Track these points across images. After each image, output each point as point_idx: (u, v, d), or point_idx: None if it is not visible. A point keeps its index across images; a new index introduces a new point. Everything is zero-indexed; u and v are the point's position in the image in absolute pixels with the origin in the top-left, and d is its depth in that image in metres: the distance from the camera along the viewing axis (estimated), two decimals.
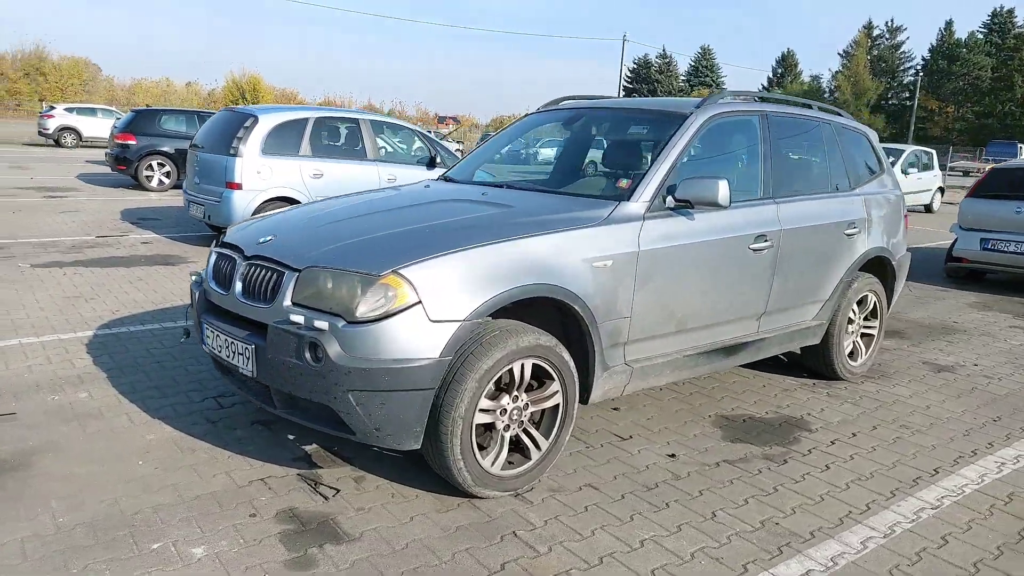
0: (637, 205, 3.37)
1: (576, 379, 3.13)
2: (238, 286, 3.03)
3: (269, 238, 3.10)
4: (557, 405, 3.11)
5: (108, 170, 14.48)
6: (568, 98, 4.65)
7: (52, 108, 26.16)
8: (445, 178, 4.33)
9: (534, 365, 2.98)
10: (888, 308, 5.14)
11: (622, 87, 72.27)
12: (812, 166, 4.55)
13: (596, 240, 3.15)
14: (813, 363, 4.79)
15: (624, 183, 3.54)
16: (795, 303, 4.25)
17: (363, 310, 2.63)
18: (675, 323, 3.55)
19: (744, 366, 4.97)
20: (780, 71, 73.50)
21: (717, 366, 3.92)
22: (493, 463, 2.92)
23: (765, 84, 73.76)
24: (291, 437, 3.46)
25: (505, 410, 2.94)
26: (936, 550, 2.80)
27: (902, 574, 2.63)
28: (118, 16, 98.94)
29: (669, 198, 3.44)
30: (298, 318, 2.71)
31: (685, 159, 3.66)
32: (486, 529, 2.77)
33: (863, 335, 4.93)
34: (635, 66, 76.03)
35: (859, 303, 4.79)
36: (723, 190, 3.35)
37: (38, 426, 3.42)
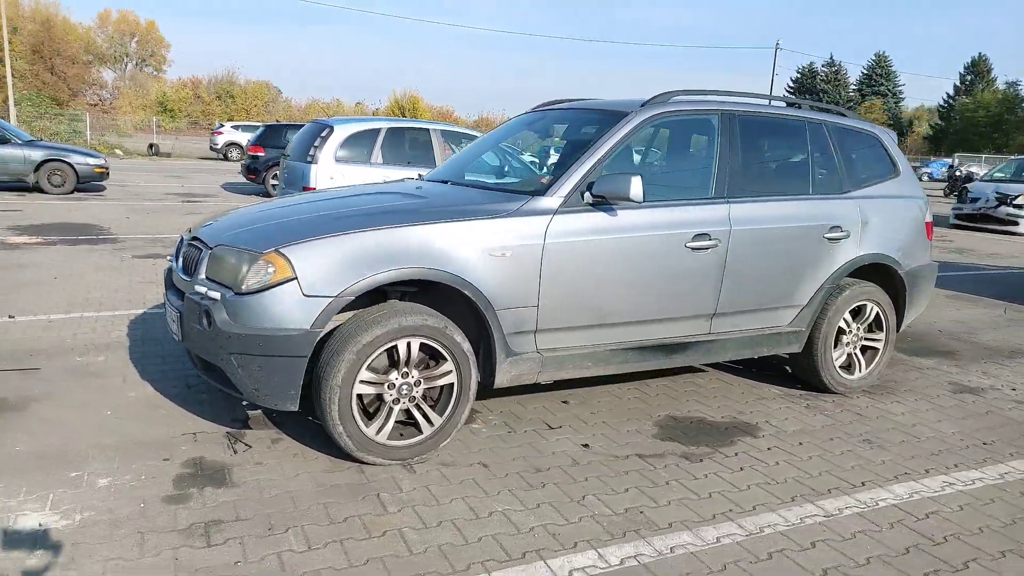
0: (551, 200, 3.50)
1: (472, 361, 3.32)
2: (180, 263, 3.50)
3: (210, 223, 3.56)
4: (452, 384, 3.30)
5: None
6: (558, 101, 4.80)
7: (222, 126, 29.32)
8: (419, 176, 4.63)
9: (425, 345, 3.21)
10: (901, 322, 4.82)
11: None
12: (789, 167, 4.41)
13: (496, 231, 3.32)
14: (800, 373, 4.62)
15: (546, 179, 3.67)
16: (759, 306, 4.14)
17: (247, 283, 2.99)
18: (594, 316, 3.62)
19: (735, 373, 4.87)
20: (969, 78, 67.42)
21: (656, 363, 3.92)
22: (378, 432, 3.17)
23: (950, 92, 67.92)
24: (244, 404, 3.88)
25: (393, 384, 3.18)
26: (794, 553, 2.72)
27: (738, 569, 2.59)
28: (298, 43, 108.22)
29: (587, 194, 3.54)
30: (202, 289, 3.12)
31: (616, 157, 3.73)
32: (357, 489, 3.03)
33: (864, 348, 4.67)
34: (799, 75, 72.59)
35: (856, 313, 4.55)
36: (635, 186, 3.41)
37: (51, 380, 4.08)
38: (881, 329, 4.66)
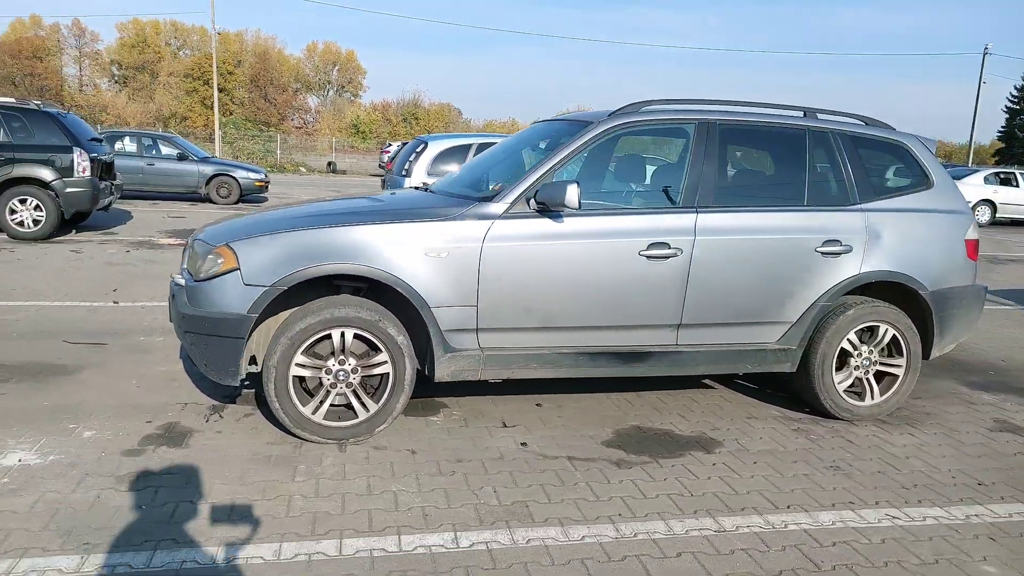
0: (497, 206, 3.66)
1: (407, 354, 3.56)
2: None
3: (213, 223, 4.09)
4: (388, 374, 3.57)
5: None
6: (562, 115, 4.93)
7: (390, 144, 31.51)
8: (423, 185, 4.95)
9: (359, 336, 3.50)
10: (930, 348, 4.40)
11: (1005, 108, 61.85)
12: (779, 176, 4.22)
13: (434, 233, 3.55)
14: (803, 396, 4.37)
15: (497, 186, 3.83)
16: (737, 320, 4.00)
17: (203, 271, 3.45)
18: (538, 318, 3.72)
19: (744, 391, 4.71)
20: None
21: (614, 371, 3.91)
22: (314, 412, 3.50)
23: None
24: (243, 380, 4.37)
25: (331, 370, 3.51)
26: (650, 559, 2.69)
27: (580, 565, 2.62)
28: (477, 68, 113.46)
29: (532, 201, 3.66)
30: (176, 276, 3.62)
31: (585, 164, 3.84)
32: (283, 460, 3.37)
33: (881, 374, 4.33)
34: None
35: (868, 335, 4.24)
36: (570, 193, 3.50)
37: (109, 353, 4.84)
38: (900, 354, 4.30)
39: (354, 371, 3.54)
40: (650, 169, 4.30)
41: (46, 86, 64.29)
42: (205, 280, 3.43)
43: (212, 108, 61.49)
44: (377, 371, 3.57)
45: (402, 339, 3.55)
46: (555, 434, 3.86)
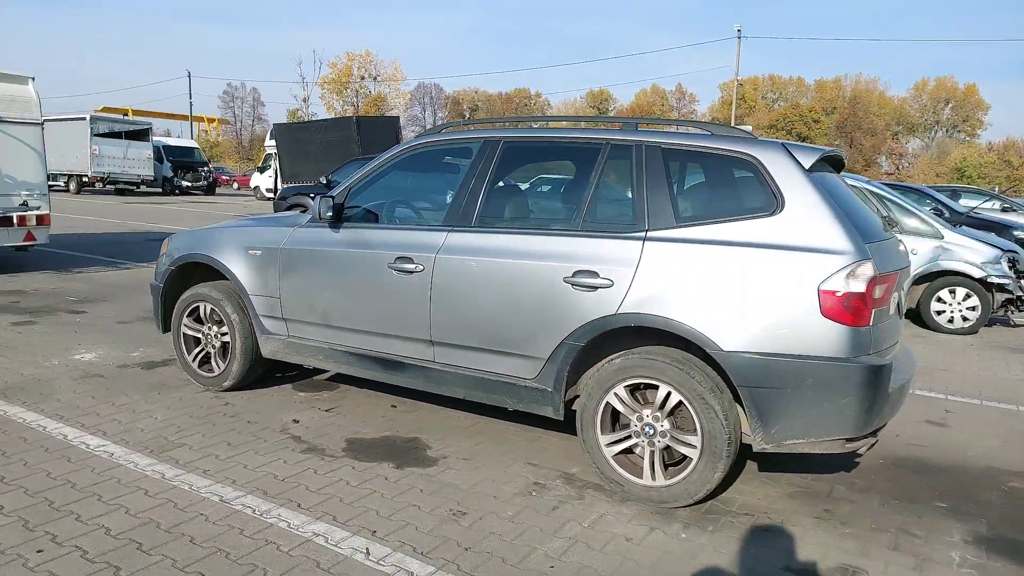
0: (305, 217, 4.42)
1: (237, 329, 4.61)
2: None
3: None
4: (228, 343, 4.70)
5: None
6: None
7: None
8: None
9: (213, 310, 4.74)
10: (754, 431, 3.23)
11: None
12: (556, 196, 3.68)
13: (254, 235, 4.56)
14: None
15: None
16: (485, 346, 3.77)
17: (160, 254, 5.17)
18: (318, 316, 4.30)
19: None
20: None
21: (376, 375, 4.17)
22: (193, 360, 4.87)
23: None
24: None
25: (206, 333, 4.83)
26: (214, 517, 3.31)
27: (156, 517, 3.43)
28: None
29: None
30: None
31: (376, 182, 4.29)
32: (149, 387, 4.81)
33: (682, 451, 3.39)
34: None
35: (661, 398, 3.39)
36: (310, 207, 4.09)
37: None
38: (694, 432, 3.29)
39: (216, 336, 4.78)
40: (438, 187, 4.27)
41: None
42: (159, 258, 5.16)
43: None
44: (225, 339, 4.73)
45: (235, 317, 4.63)
46: (341, 424, 4.33)
